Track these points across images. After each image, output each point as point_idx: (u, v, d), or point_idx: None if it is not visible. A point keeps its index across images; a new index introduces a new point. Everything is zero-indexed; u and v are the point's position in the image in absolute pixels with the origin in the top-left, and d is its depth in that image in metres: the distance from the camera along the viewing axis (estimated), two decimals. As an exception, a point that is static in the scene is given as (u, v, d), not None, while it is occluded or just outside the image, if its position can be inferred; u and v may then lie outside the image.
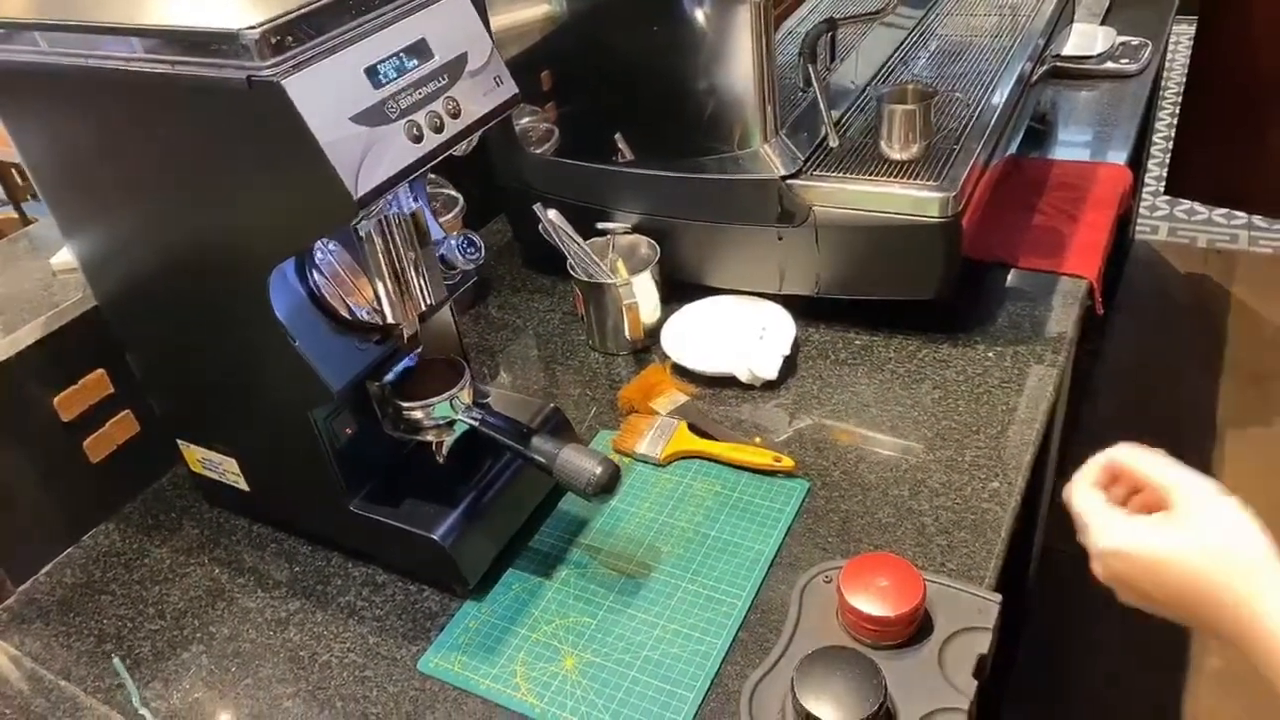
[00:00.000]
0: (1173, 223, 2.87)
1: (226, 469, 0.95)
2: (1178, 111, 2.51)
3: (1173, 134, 2.57)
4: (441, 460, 0.88)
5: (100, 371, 0.98)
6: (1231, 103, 2.36)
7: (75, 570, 0.96)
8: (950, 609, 0.78)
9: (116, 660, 0.66)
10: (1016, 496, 0.90)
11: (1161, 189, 2.74)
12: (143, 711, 0.65)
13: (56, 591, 0.94)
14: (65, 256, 1.00)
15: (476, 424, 0.85)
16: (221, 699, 0.82)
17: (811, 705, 0.68)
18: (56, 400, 0.95)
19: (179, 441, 0.97)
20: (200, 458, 0.96)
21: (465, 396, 0.85)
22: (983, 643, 0.76)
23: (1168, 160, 2.60)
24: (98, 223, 0.82)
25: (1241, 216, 2.82)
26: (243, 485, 0.95)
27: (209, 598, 0.92)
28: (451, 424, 0.86)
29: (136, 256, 0.82)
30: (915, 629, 0.76)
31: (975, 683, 0.73)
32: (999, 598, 0.79)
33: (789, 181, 1.07)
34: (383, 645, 0.85)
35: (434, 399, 0.84)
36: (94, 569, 0.96)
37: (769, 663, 0.76)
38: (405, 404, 0.84)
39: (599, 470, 0.80)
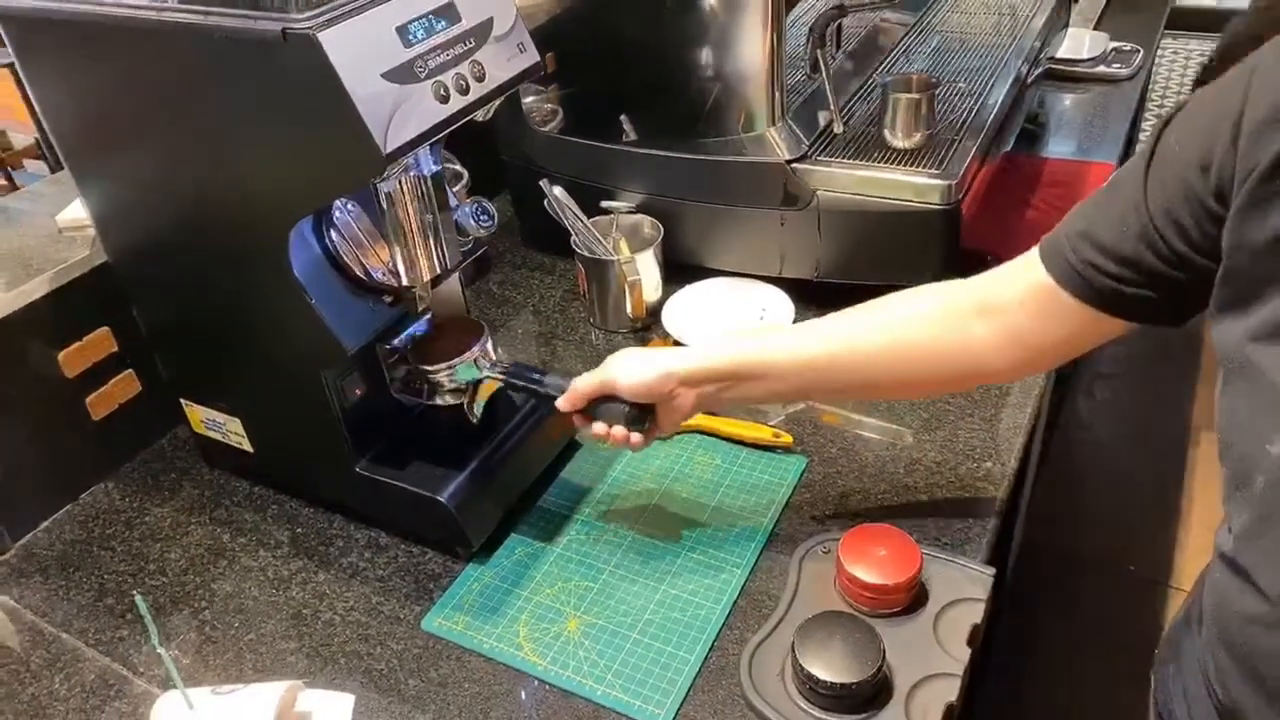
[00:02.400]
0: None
1: (230, 429, 0.95)
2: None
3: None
4: (475, 420, 0.89)
5: (105, 329, 0.98)
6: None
7: (75, 527, 0.96)
8: (945, 581, 0.80)
9: (139, 598, 0.67)
10: (1009, 478, 0.92)
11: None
12: (160, 650, 0.65)
13: (56, 547, 0.94)
14: (72, 213, 1.00)
15: (504, 379, 0.86)
16: (224, 653, 0.82)
17: (812, 666, 0.70)
18: (61, 356, 0.95)
19: (183, 401, 0.97)
20: (204, 418, 0.97)
21: (489, 354, 0.86)
22: (976, 613, 0.78)
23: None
24: (116, 176, 0.82)
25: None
26: (246, 446, 0.95)
27: (210, 556, 0.92)
28: (477, 384, 0.86)
29: (154, 211, 0.82)
30: (912, 598, 0.78)
31: (969, 651, 0.75)
32: (993, 571, 0.81)
33: (793, 165, 1.08)
34: (385, 605, 0.85)
35: (457, 359, 0.85)
36: (93, 526, 0.96)
37: (768, 628, 0.78)
38: (429, 368, 0.85)
39: (628, 406, 0.81)
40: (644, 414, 0.82)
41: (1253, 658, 0.61)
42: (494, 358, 0.87)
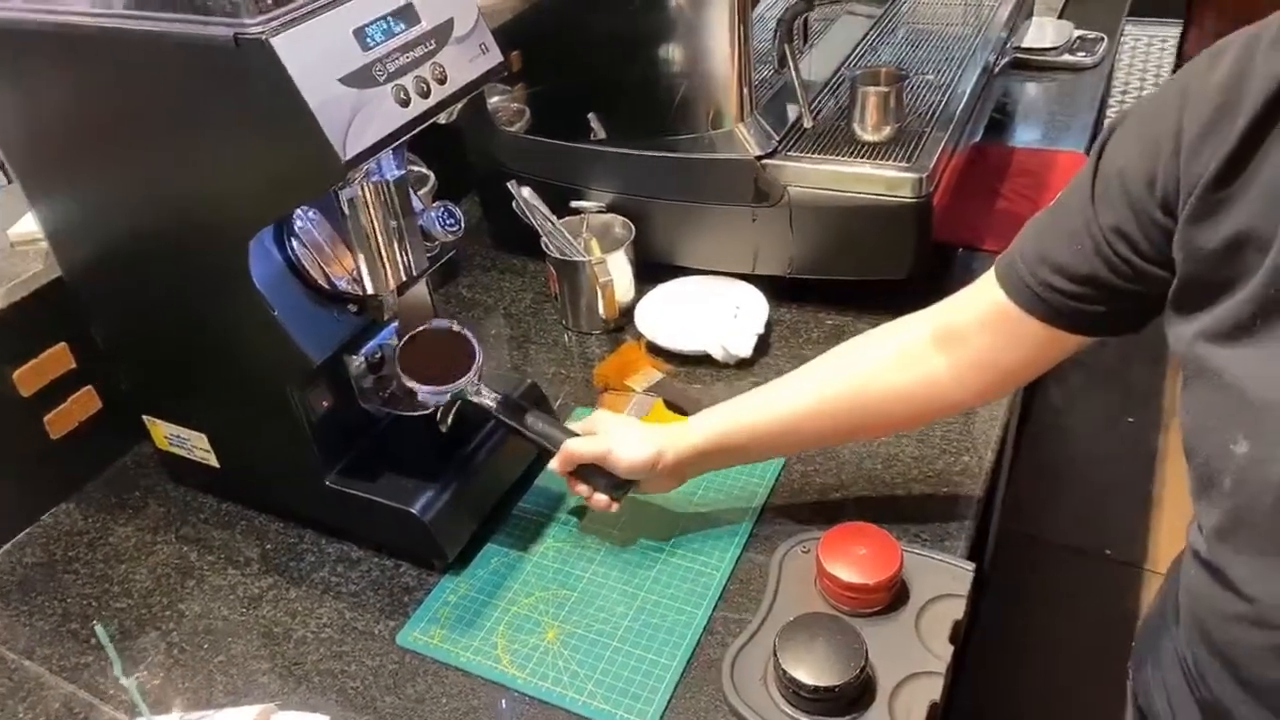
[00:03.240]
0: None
1: (195, 445, 0.93)
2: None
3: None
4: (445, 430, 0.87)
5: (62, 346, 0.95)
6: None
7: (36, 549, 0.94)
8: (926, 577, 0.80)
9: (99, 627, 0.65)
10: (986, 471, 0.92)
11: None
12: (124, 681, 0.63)
13: (17, 571, 0.91)
14: (24, 227, 0.97)
15: (495, 415, 0.85)
16: (194, 676, 0.80)
17: (794, 669, 0.69)
18: (16, 375, 0.92)
19: (145, 418, 0.95)
20: (168, 434, 0.94)
21: (481, 377, 0.85)
22: (957, 609, 0.78)
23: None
24: (69, 189, 0.80)
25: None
26: (213, 462, 0.93)
27: (177, 575, 0.90)
28: (455, 400, 0.85)
29: (109, 224, 0.80)
30: (893, 597, 0.78)
31: (951, 648, 0.75)
32: (972, 566, 0.81)
33: (763, 162, 1.08)
34: (359, 620, 0.84)
35: (451, 385, 0.82)
36: (55, 548, 0.94)
37: (749, 632, 0.77)
38: (423, 386, 0.82)
39: (611, 482, 0.84)
40: (629, 484, 0.84)
41: (1234, 655, 0.61)
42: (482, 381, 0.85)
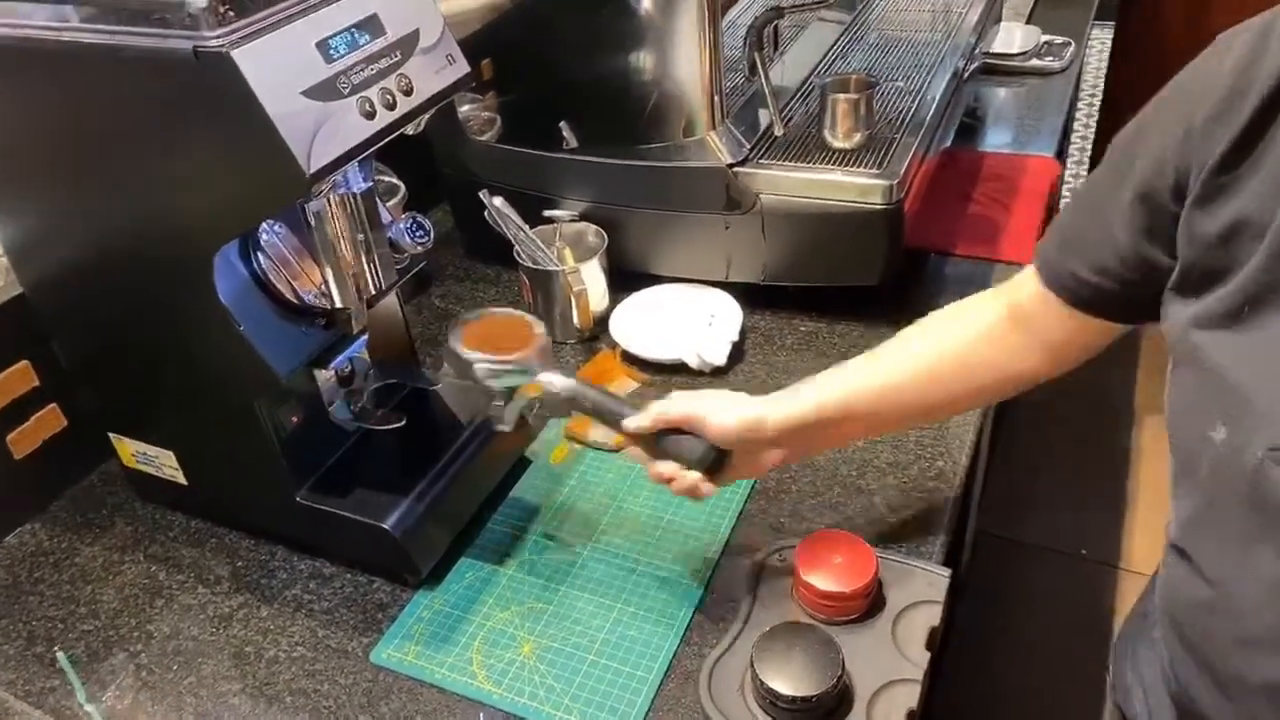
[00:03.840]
0: (1090, 219, 2.98)
1: (163, 463, 0.91)
2: (1094, 121, 2.62)
3: (1091, 134, 2.67)
4: (509, 428, 0.81)
5: (24, 363, 0.93)
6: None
7: (0, 571, 0.92)
8: (902, 584, 0.80)
9: (60, 654, 0.63)
10: (961, 475, 0.92)
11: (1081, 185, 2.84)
12: (88, 708, 0.62)
13: (-21, 594, 0.90)
14: (-16, 243, 0.95)
15: (563, 393, 0.76)
16: (163, 699, 0.79)
17: (772, 681, 0.69)
18: (-23, 393, 0.90)
19: (111, 436, 0.93)
20: (134, 452, 0.93)
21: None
22: (934, 616, 0.78)
23: (1086, 163, 2.71)
24: (28, 204, 0.78)
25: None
26: (181, 479, 0.91)
27: (146, 595, 0.88)
28: (513, 390, 0.78)
29: (70, 240, 0.78)
30: (869, 604, 0.78)
31: (928, 654, 0.75)
32: (948, 572, 0.81)
33: (735, 169, 1.08)
34: (332, 638, 0.83)
35: (517, 353, 0.75)
36: (19, 570, 0.92)
37: (726, 642, 0.77)
38: (491, 357, 0.74)
39: (701, 449, 0.75)
40: (721, 458, 0.75)
41: (1204, 648, 0.61)
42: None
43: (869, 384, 0.77)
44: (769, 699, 0.70)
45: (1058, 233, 0.70)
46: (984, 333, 0.76)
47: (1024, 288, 0.73)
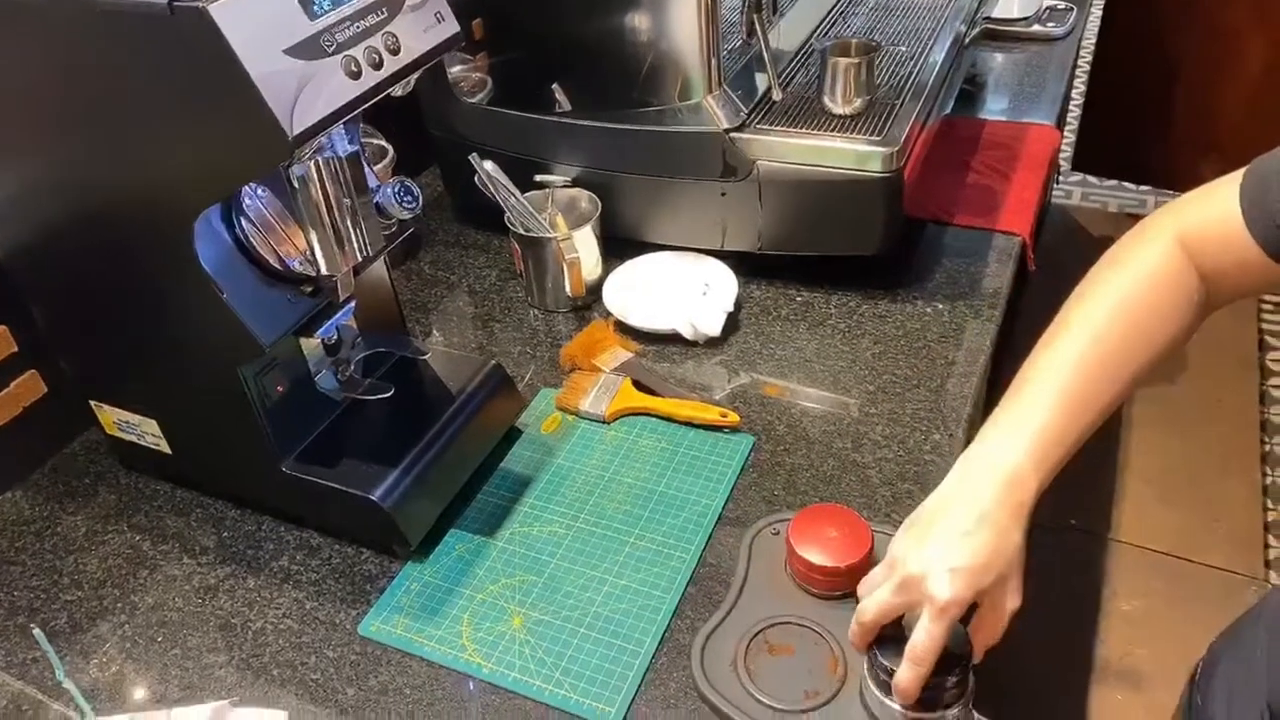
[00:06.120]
0: (1085, 188, 2.97)
1: (146, 431, 0.90)
2: (1085, 90, 2.59)
3: (1080, 111, 2.65)
4: None
5: (2, 329, 0.91)
6: (1136, 82, 2.44)
7: (-20, 541, 0.90)
8: (896, 559, 0.79)
9: (36, 630, 0.62)
10: (958, 448, 0.91)
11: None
12: (66, 684, 0.61)
13: (-40, 564, 0.88)
14: (-42, 204, 0.92)
15: None
16: (147, 670, 0.77)
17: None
18: (-47, 359, 0.88)
19: (92, 403, 0.91)
20: (116, 420, 0.91)
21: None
22: (928, 591, 0.77)
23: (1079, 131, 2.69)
24: (1, 166, 0.75)
25: (1149, 186, 2.94)
26: (164, 448, 0.90)
27: (130, 566, 0.87)
28: None
29: (45, 203, 0.76)
30: (864, 579, 0.77)
31: (922, 629, 0.74)
32: (943, 547, 0.80)
33: (732, 135, 1.05)
34: (320, 610, 0.81)
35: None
36: (0, 539, 0.90)
37: (719, 616, 0.76)
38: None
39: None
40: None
41: None
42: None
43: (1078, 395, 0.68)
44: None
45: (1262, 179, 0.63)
46: (1181, 286, 0.68)
47: (1211, 233, 0.67)
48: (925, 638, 0.62)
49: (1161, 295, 0.69)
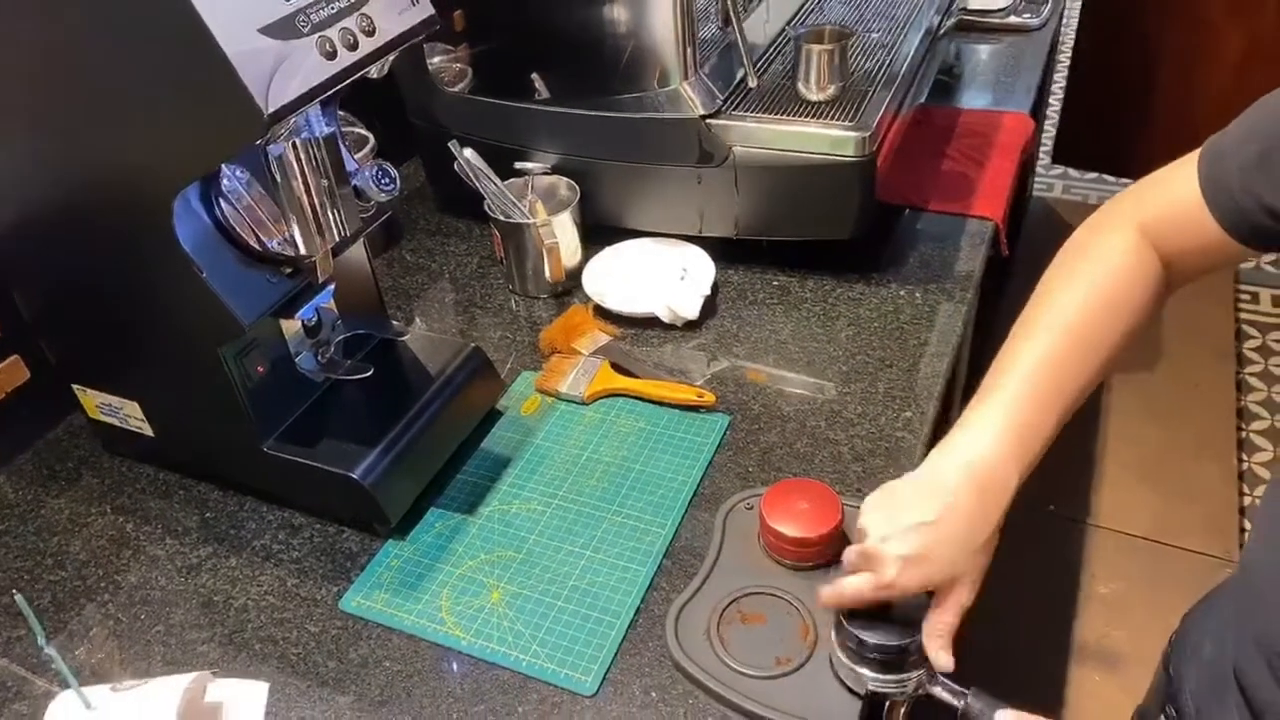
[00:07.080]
0: (1066, 181, 3.00)
1: (128, 414, 0.90)
2: (1065, 84, 2.62)
3: (1060, 104, 2.68)
4: None
5: (-16, 313, 0.92)
6: (1115, 75, 2.46)
7: (-36, 524, 0.91)
8: (867, 531, 0.80)
9: (18, 596, 0.63)
10: (929, 425, 0.93)
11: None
12: (48, 651, 0.62)
13: (-56, 546, 0.89)
14: (-60, 190, 0.93)
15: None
16: (132, 647, 0.79)
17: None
18: (-64, 344, 0.89)
19: (74, 387, 0.92)
20: (99, 403, 0.92)
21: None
22: (898, 562, 0.79)
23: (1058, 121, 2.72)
24: (-23, 147, 0.76)
25: (1129, 178, 2.97)
26: (147, 431, 0.91)
27: (113, 547, 0.88)
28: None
29: (21, 184, 0.77)
30: (835, 551, 0.78)
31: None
32: (913, 519, 0.82)
33: (708, 121, 1.07)
34: (302, 587, 0.83)
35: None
36: (-16, 522, 0.91)
37: (693, 587, 0.77)
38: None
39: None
40: None
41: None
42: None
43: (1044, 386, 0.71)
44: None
45: (1245, 167, 0.63)
46: (1147, 277, 0.70)
47: (1171, 215, 0.68)
48: (860, 586, 0.67)
49: (1127, 284, 0.71)
